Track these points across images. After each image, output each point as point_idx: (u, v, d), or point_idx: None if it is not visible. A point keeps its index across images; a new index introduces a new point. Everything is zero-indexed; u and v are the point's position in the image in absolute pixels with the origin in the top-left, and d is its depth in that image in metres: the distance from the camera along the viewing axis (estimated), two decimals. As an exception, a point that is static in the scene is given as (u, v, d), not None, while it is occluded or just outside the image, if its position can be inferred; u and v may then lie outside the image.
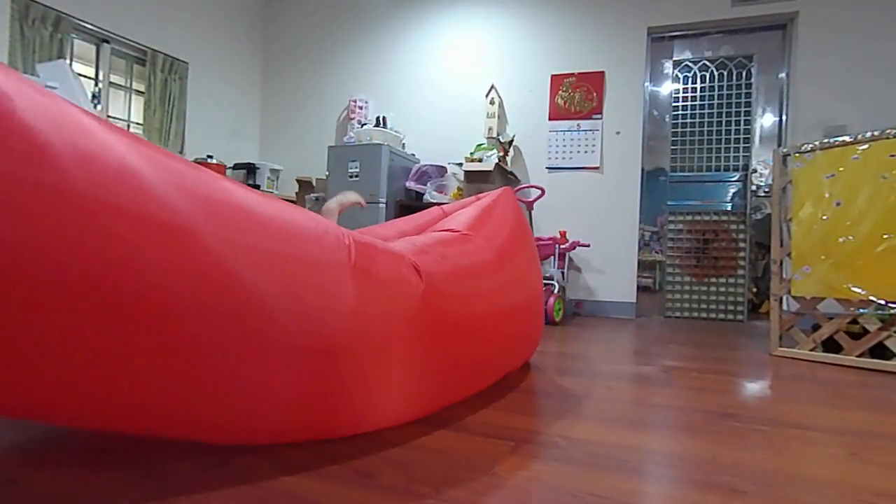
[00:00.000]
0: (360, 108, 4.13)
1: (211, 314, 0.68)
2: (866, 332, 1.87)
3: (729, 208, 3.61)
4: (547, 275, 3.19)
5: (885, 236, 1.82)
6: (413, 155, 3.95)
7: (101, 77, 3.47)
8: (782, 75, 3.46)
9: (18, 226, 0.55)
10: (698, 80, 3.69)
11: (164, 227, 0.64)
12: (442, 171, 3.75)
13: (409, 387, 0.98)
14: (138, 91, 3.73)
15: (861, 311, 1.88)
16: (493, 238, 1.31)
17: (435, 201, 3.52)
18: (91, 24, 3.28)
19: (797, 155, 2.11)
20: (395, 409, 0.97)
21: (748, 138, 3.59)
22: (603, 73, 3.64)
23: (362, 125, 3.97)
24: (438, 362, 1.04)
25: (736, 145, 3.60)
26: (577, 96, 3.69)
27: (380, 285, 0.91)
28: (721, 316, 3.54)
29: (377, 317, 0.89)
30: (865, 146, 1.92)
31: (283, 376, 0.77)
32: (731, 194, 3.63)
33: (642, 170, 3.59)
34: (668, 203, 3.75)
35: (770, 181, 3.73)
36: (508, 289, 1.28)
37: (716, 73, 3.64)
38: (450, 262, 1.10)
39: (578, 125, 3.68)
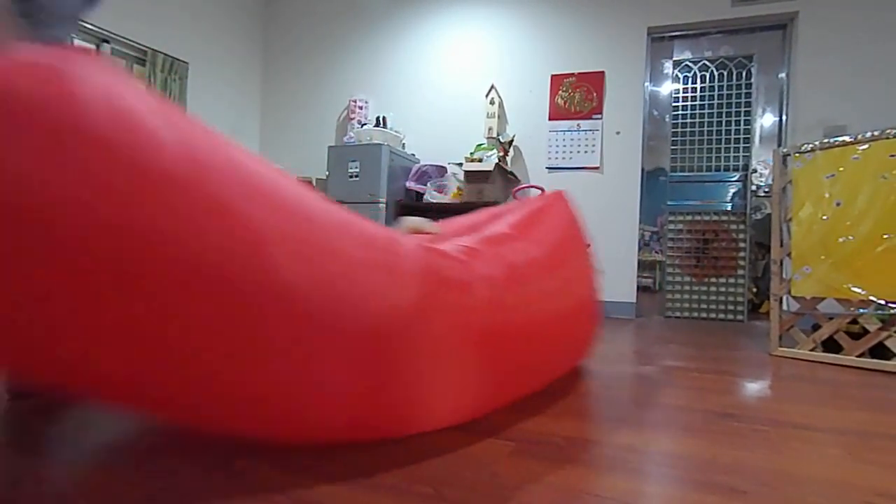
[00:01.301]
0: (360, 108, 4.13)
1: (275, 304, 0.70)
2: (866, 332, 1.87)
3: (729, 208, 3.61)
4: (547, 275, 3.19)
5: (885, 236, 1.82)
6: (413, 155, 3.95)
7: (101, 77, 3.46)
8: (782, 75, 3.46)
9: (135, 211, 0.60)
10: (698, 80, 3.69)
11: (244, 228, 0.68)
12: (442, 171, 3.75)
13: (463, 389, 0.99)
14: (138, 91, 3.72)
15: (861, 311, 1.88)
16: (543, 241, 1.31)
17: (435, 201, 3.52)
18: (91, 24, 3.28)
19: (797, 155, 2.11)
20: (449, 410, 0.99)
21: (748, 138, 3.59)
22: (603, 73, 3.64)
23: (362, 125, 3.97)
24: (495, 365, 1.04)
25: (736, 145, 3.61)
26: (577, 96, 3.69)
27: (445, 290, 0.93)
28: (721, 316, 3.54)
29: (439, 320, 0.90)
30: (865, 146, 1.92)
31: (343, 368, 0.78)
32: (731, 194, 3.63)
33: (642, 170, 3.58)
34: (668, 203, 3.75)
35: (770, 181, 3.73)
36: (562, 291, 1.29)
37: (716, 73, 3.64)
38: (504, 261, 1.11)
39: (578, 125, 3.68)
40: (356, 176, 3.50)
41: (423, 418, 0.95)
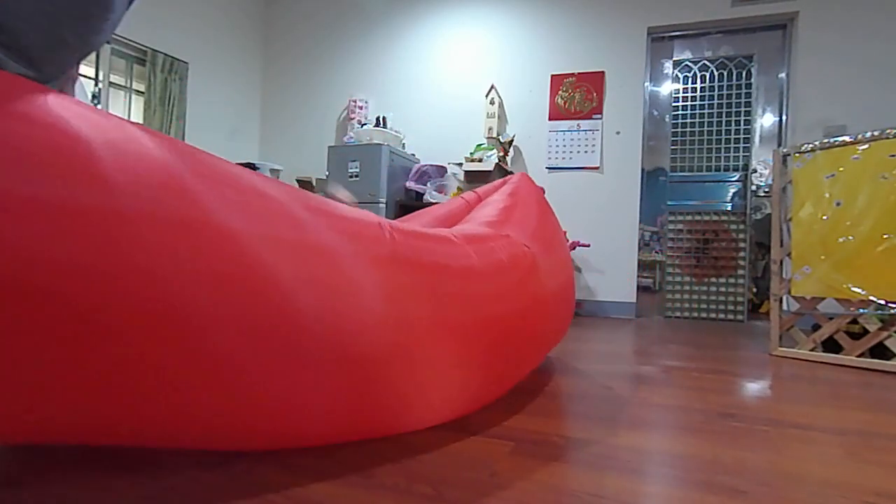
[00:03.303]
0: (360, 108, 4.13)
1: (248, 322, 0.65)
2: (866, 332, 1.87)
3: (729, 208, 3.61)
4: (547, 275, 3.19)
5: (885, 236, 1.82)
6: (413, 155, 3.95)
7: (101, 77, 3.46)
8: (782, 75, 3.46)
9: (80, 249, 0.54)
10: (698, 80, 3.69)
11: (205, 231, 0.62)
12: (442, 171, 3.75)
13: (457, 382, 0.98)
14: (138, 91, 3.73)
15: (861, 311, 1.88)
16: (525, 228, 1.29)
17: (435, 201, 3.52)
18: (91, 24, 3.27)
19: (797, 155, 2.11)
20: (436, 408, 0.97)
21: (748, 138, 3.59)
22: (603, 73, 3.64)
23: (362, 125, 3.97)
24: (489, 355, 1.02)
25: (736, 145, 3.61)
26: (577, 96, 3.69)
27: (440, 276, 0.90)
28: (721, 316, 3.54)
29: (417, 315, 0.86)
30: (865, 146, 1.92)
31: (315, 382, 0.74)
32: (731, 194, 3.63)
33: (642, 170, 3.58)
34: (668, 203, 3.75)
35: (770, 181, 3.73)
36: (546, 278, 1.25)
37: (716, 73, 3.64)
38: (495, 255, 1.08)
39: (578, 125, 3.68)
40: (356, 176, 3.50)
41: (416, 416, 0.93)
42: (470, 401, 1.04)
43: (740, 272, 3.51)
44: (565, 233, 3.33)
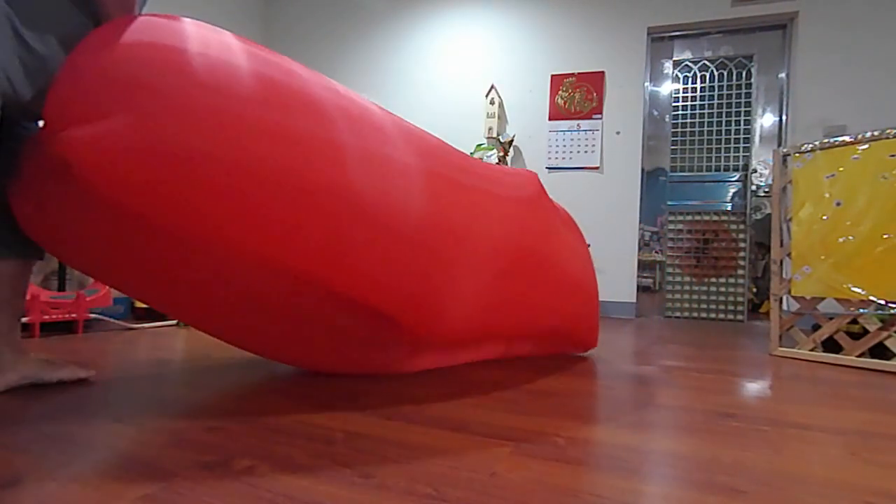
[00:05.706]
0: (360, 108, 4.13)
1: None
2: (866, 332, 1.87)
3: (729, 208, 3.61)
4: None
5: (885, 236, 1.82)
6: (413, 155, 3.95)
7: (101, 77, 3.46)
8: (782, 75, 3.46)
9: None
10: (698, 80, 3.69)
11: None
12: (442, 171, 3.75)
13: (477, 306, 1.23)
14: (138, 91, 3.72)
15: (861, 311, 1.88)
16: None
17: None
18: (91, 24, 3.27)
19: (797, 155, 2.11)
20: (460, 323, 1.22)
21: (748, 138, 3.59)
22: (603, 73, 3.64)
23: (362, 125, 3.96)
24: (509, 294, 1.31)
25: (736, 145, 3.61)
26: (577, 96, 3.69)
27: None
28: (721, 316, 3.54)
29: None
30: (865, 146, 1.92)
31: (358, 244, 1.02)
32: (731, 194, 3.63)
33: (642, 170, 3.59)
34: (668, 203, 3.75)
35: (770, 181, 3.73)
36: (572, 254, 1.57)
37: (716, 73, 3.65)
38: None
39: (578, 125, 3.68)
40: (356, 176, 3.50)
41: (445, 322, 1.15)
42: (474, 329, 1.27)
43: (740, 272, 3.52)
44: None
